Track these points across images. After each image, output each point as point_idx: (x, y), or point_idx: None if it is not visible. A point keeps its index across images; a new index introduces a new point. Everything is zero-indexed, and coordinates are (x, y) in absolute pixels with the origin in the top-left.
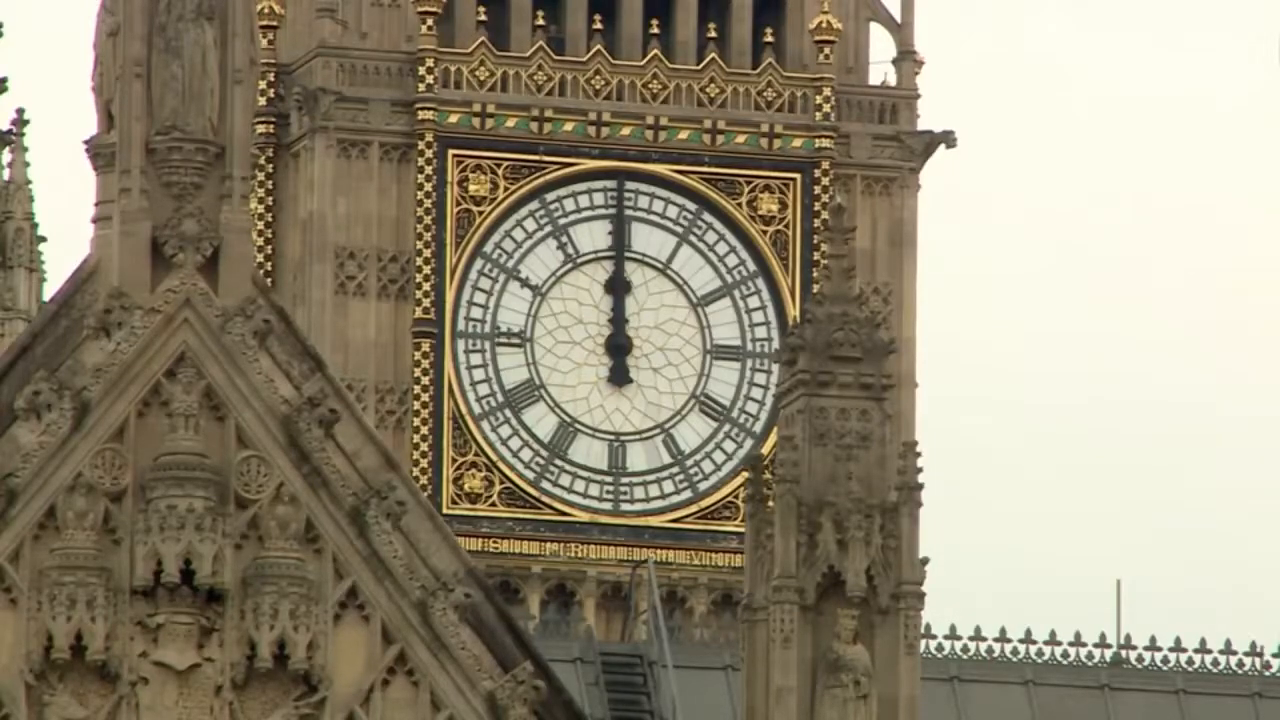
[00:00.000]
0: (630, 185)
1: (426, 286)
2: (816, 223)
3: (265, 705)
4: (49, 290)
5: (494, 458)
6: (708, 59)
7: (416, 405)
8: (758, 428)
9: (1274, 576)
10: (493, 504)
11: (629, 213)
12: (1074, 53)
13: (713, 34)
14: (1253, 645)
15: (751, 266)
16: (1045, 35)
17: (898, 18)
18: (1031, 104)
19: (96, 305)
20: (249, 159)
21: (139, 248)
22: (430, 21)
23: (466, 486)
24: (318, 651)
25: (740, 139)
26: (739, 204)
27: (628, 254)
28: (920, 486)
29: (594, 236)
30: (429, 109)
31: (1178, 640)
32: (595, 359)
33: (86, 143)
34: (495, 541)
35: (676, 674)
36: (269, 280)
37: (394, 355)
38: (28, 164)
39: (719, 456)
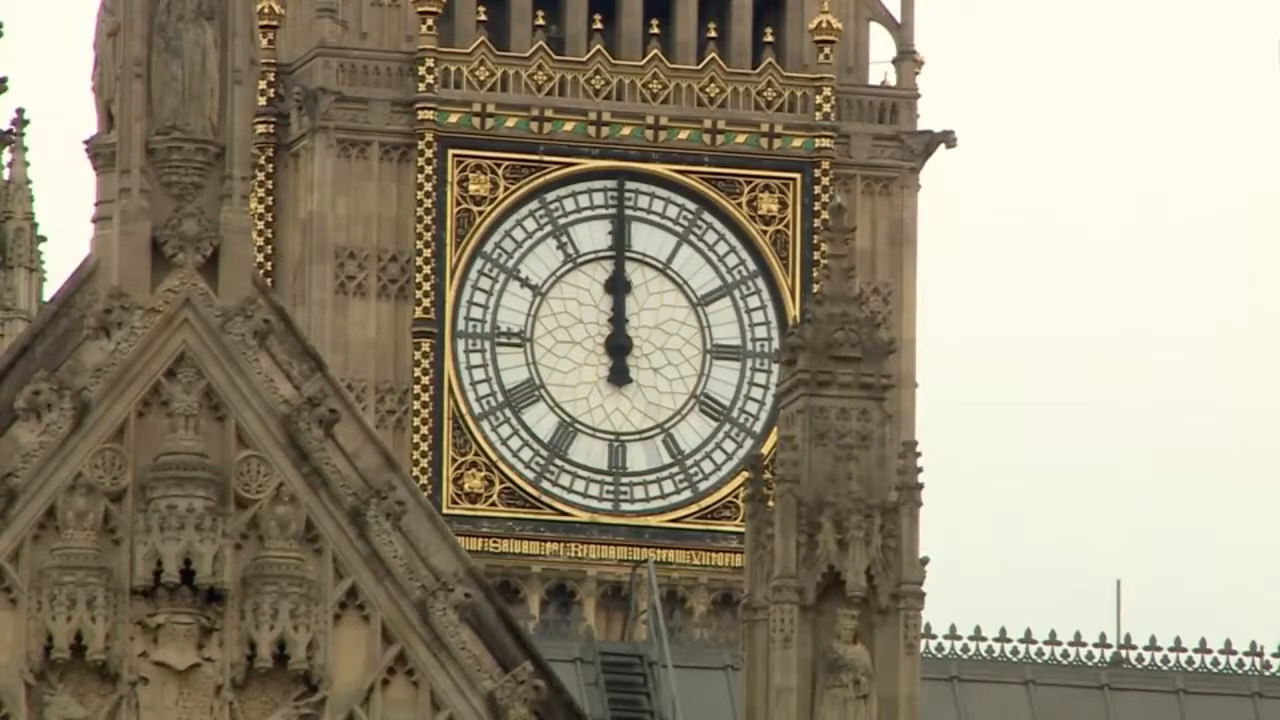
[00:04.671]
0: (630, 185)
1: (426, 286)
2: (816, 223)
3: (265, 705)
4: (49, 290)
5: (494, 458)
6: (708, 59)
7: (416, 405)
8: (758, 428)
9: (1274, 576)
10: (493, 504)
11: (629, 213)
12: (1074, 53)
13: (713, 34)
14: (1253, 645)
15: (751, 266)
16: (1045, 35)
17: (898, 18)
18: (1031, 104)
19: (96, 305)
20: (249, 159)
21: (139, 248)
22: (430, 21)
23: (466, 486)
24: (318, 651)
25: (740, 139)
26: (739, 204)
27: (628, 254)
28: (920, 486)
29: (594, 236)
30: (429, 109)
31: (1178, 640)
32: (595, 359)
33: (86, 143)
34: (495, 541)
35: (676, 674)
36: (269, 280)
37: (394, 355)
38: (28, 164)
39: (719, 456)
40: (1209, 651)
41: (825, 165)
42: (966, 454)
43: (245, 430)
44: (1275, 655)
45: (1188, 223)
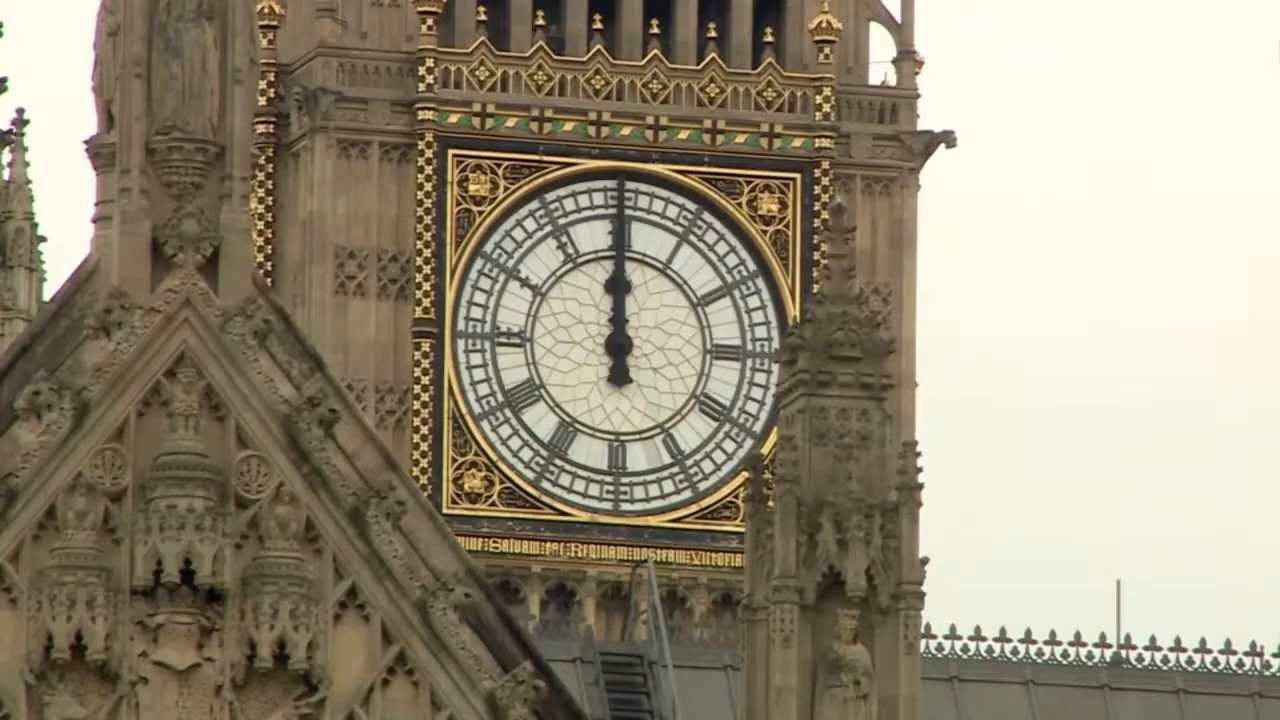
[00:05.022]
0: (630, 185)
1: (426, 286)
2: (816, 223)
3: (265, 705)
4: (49, 290)
5: (494, 458)
6: (708, 59)
7: (416, 405)
8: (758, 428)
9: (1274, 576)
10: (493, 504)
11: (629, 213)
12: (1074, 53)
13: (713, 34)
14: (1253, 645)
15: (751, 266)
16: (1045, 35)
17: (898, 18)
18: (1031, 104)
19: (96, 305)
20: (249, 159)
21: (139, 248)
22: (430, 21)
23: (466, 486)
24: (318, 651)
25: (740, 139)
26: (739, 204)
27: (628, 254)
28: (920, 486)
29: (594, 236)
30: (429, 109)
31: (1178, 640)
32: (595, 359)
33: (86, 143)
34: (495, 541)
35: (676, 674)
36: (269, 280)
37: (394, 355)
38: (28, 164)
39: (719, 456)
40: (1209, 651)
41: (825, 165)
42: (966, 454)
43: (245, 430)
44: (1275, 655)
45: (1188, 222)
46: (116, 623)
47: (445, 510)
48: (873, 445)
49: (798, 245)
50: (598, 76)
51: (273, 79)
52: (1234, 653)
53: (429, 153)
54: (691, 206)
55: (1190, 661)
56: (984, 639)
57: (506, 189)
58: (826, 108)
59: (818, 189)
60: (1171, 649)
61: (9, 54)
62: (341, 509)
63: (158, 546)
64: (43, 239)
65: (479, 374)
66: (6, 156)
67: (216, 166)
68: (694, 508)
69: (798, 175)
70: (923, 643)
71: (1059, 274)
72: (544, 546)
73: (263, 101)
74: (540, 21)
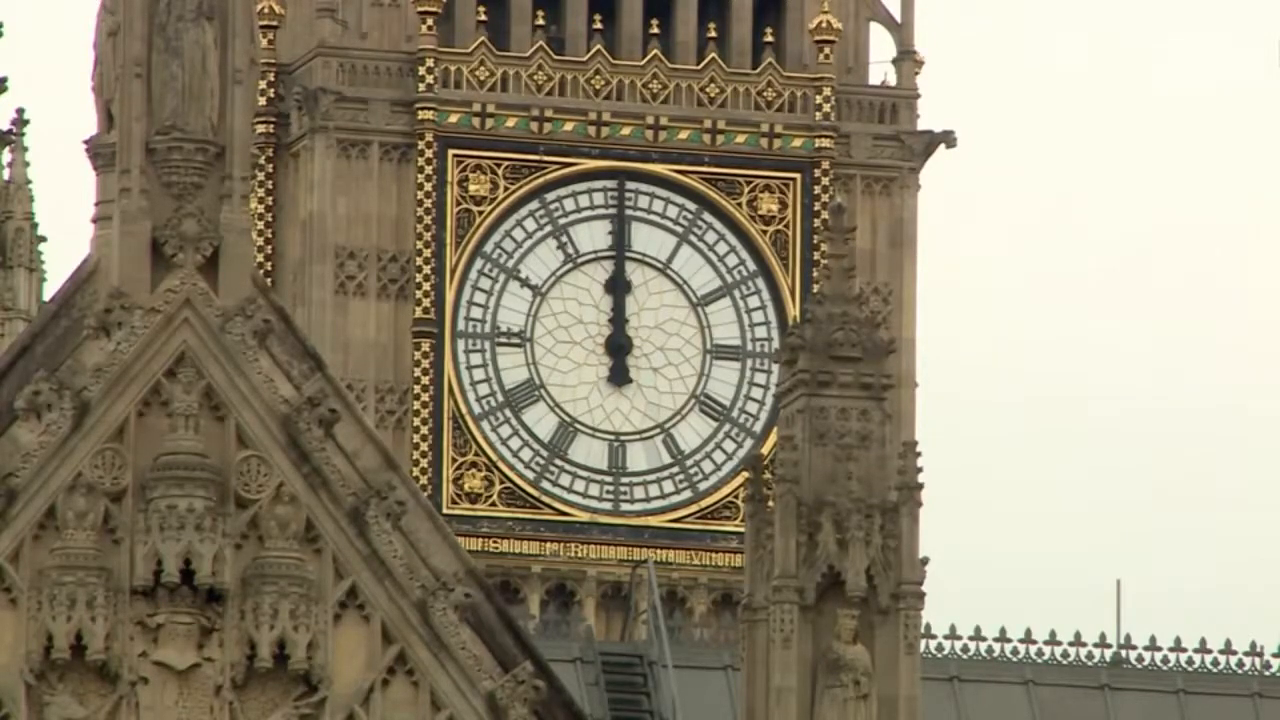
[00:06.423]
0: (630, 185)
1: (426, 286)
2: (816, 223)
3: (265, 705)
4: (49, 290)
5: (494, 458)
6: (708, 59)
7: (416, 405)
8: (758, 428)
9: (1274, 576)
10: (493, 504)
11: (629, 213)
12: (1074, 52)
13: (713, 34)
14: (1253, 645)
15: (751, 266)
16: (1045, 35)
17: (898, 18)
18: (1031, 104)
19: (96, 305)
20: (249, 159)
21: (139, 248)
22: (430, 21)
23: (466, 486)
24: (318, 651)
25: (740, 139)
26: (739, 204)
27: (628, 254)
28: (920, 486)
29: (594, 236)
30: (429, 109)
31: (1178, 640)
32: (595, 359)
33: (86, 143)
34: (495, 541)
35: (676, 674)
36: (269, 280)
37: (394, 355)
38: (28, 164)
39: (719, 456)
40: (1209, 651)
41: (825, 165)
42: (966, 454)
43: (245, 430)
44: (1275, 655)
45: (1188, 222)
46: (116, 623)
47: (445, 510)
48: (873, 445)
49: (798, 245)
50: (598, 76)
51: (273, 79)
52: (1234, 653)
53: (429, 153)
54: (691, 206)
55: (1190, 661)
56: (984, 639)
57: (506, 189)
58: (826, 108)
59: (818, 189)
60: (1171, 649)
61: (9, 54)
62: (341, 509)
63: (158, 546)
64: (43, 239)
65: (479, 374)
66: (6, 156)
67: (216, 166)
68: (694, 508)
69: (798, 175)
70: (923, 643)
71: (1059, 274)
72: (544, 546)
73: (263, 101)
74: (540, 21)
